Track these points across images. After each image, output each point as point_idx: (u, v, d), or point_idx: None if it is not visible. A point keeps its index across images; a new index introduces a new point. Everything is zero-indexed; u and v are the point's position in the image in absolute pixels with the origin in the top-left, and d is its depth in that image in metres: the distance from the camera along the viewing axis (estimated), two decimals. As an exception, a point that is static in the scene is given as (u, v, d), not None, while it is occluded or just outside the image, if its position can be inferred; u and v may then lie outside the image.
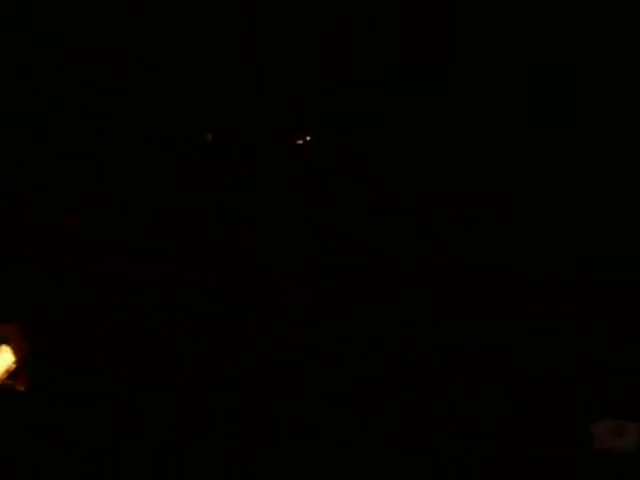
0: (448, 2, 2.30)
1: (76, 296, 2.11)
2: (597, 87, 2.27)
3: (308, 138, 2.24)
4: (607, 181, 2.22)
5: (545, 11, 2.26)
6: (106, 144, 2.33)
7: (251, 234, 2.23)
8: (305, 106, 2.36)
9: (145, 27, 2.36)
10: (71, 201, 2.26)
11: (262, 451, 1.83)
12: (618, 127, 2.27)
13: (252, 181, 2.31)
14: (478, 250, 2.15)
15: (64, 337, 2.03)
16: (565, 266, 2.12)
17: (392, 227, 2.20)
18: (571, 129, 2.28)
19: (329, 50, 2.35)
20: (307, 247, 2.19)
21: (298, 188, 2.28)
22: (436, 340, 2.01)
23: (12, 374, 1.92)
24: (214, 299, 2.11)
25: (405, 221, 2.20)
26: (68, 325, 2.06)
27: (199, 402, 1.93)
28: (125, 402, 1.92)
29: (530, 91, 2.30)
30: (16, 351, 1.93)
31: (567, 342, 1.99)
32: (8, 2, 2.31)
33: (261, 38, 2.38)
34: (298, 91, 2.37)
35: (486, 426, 1.86)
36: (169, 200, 2.28)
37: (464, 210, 2.19)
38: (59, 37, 2.33)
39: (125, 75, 2.38)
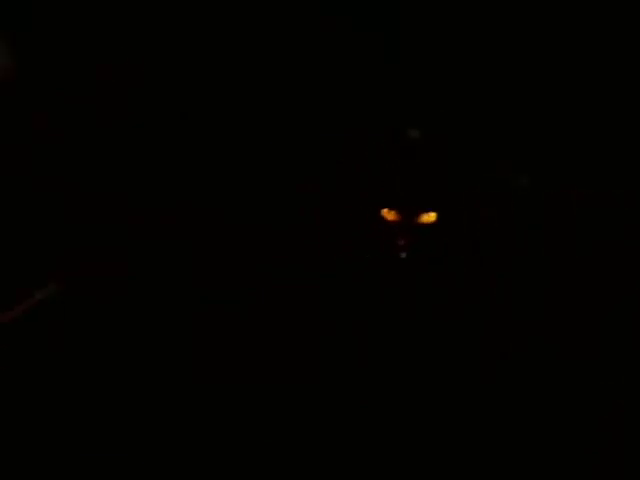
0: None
1: (75, 291, 2.12)
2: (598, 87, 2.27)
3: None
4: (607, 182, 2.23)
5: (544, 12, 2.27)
6: (105, 142, 2.34)
7: (251, 234, 2.23)
8: (302, 104, 2.37)
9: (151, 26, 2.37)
10: (71, 198, 2.27)
11: (260, 450, 1.84)
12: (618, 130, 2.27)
13: (253, 180, 2.32)
14: (479, 250, 2.14)
15: (63, 334, 2.04)
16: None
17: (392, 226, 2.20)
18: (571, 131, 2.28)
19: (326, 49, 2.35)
20: (307, 246, 2.19)
21: (299, 188, 2.28)
22: (436, 340, 2.01)
23: None
24: (214, 299, 2.11)
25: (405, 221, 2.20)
26: (68, 322, 2.07)
27: (198, 403, 1.93)
28: (124, 401, 1.93)
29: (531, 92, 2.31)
30: None
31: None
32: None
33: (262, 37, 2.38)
34: (293, 89, 2.37)
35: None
36: (169, 199, 2.28)
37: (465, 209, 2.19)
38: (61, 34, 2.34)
39: (125, 73, 2.38)
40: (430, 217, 1.77)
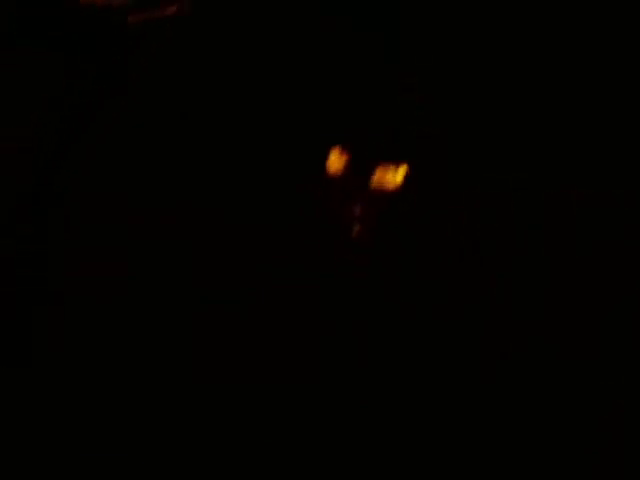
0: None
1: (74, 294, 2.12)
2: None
3: None
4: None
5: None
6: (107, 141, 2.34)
7: (252, 234, 2.23)
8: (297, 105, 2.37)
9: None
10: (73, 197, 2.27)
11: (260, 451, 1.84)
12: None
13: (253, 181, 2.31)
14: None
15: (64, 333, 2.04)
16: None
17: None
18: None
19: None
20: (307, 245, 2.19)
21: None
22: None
23: None
24: (214, 299, 2.11)
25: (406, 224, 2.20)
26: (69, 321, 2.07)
27: (198, 403, 1.93)
28: (123, 401, 1.93)
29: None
30: None
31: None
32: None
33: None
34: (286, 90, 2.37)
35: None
36: (169, 199, 2.28)
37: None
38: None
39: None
40: (396, 175, 1.12)
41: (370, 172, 1.36)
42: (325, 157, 2.13)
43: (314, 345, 2.03)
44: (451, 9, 2.32)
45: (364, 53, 2.31)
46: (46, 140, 2.27)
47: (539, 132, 2.27)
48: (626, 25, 2.24)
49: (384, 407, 1.91)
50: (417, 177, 2.24)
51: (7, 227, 2.19)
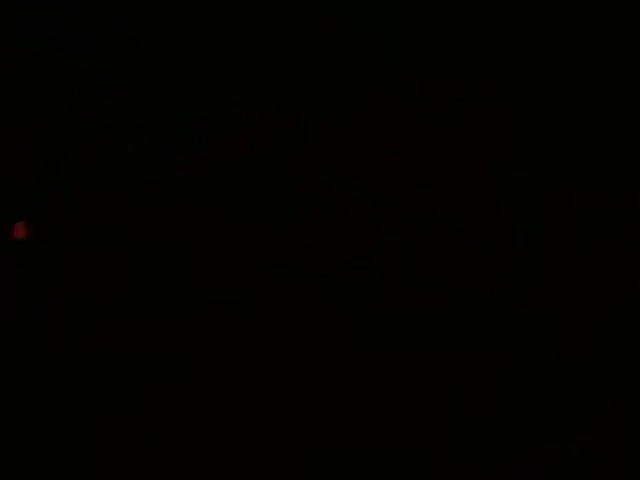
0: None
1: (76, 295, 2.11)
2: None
3: None
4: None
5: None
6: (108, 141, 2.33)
7: (252, 234, 2.22)
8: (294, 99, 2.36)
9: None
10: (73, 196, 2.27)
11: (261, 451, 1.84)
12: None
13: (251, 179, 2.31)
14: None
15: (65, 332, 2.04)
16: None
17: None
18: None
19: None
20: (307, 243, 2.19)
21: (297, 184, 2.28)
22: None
23: None
24: (214, 299, 2.11)
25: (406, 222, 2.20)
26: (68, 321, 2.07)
27: (198, 404, 1.93)
28: (123, 402, 1.93)
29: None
30: None
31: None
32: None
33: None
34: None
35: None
36: (169, 199, 2.28)
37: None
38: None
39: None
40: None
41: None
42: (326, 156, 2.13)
43: (314, 344, 2.03)
44: (451, 9, 2.32)
45: (364, 53, 2.31)
46: (46, 140, 2.27)
47: (539, 132, 2.27)
48: (626, 25, 2.24)
49: (382, 406, 1.91)
50: (417, 177, 2.24)
51: (7, 227, 2.19)
